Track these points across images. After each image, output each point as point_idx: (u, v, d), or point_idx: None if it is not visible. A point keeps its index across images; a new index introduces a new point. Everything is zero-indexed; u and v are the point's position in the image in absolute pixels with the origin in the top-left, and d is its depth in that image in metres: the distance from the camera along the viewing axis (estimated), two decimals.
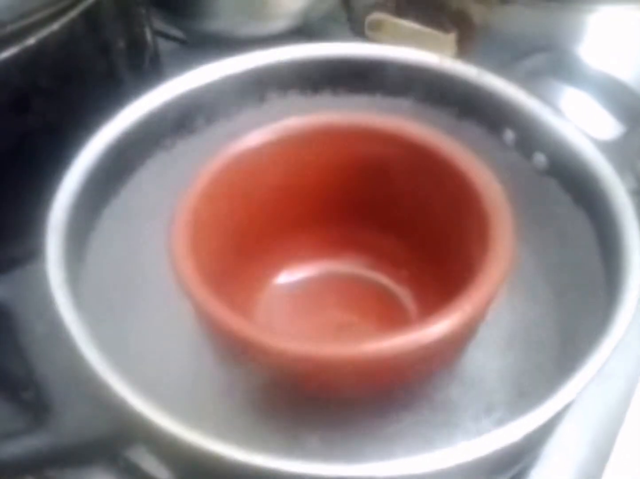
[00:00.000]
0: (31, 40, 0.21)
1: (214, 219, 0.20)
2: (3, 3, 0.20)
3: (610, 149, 0.21)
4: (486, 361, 0.21)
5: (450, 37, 0.29)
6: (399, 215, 0.22)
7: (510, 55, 0.25)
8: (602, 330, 0.17)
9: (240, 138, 0.21)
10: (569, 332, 0.20)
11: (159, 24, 0.34)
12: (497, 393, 0.20)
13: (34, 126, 0.22)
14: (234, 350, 0.18)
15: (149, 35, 0.27)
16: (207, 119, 0.23)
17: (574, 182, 0.21)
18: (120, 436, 0.18)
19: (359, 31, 0.30)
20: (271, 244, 0.22)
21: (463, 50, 0.29)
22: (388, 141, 0.21)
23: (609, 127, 0.23)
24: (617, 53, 0.28)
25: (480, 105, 0.23)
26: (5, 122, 0.22)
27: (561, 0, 0.27)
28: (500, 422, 0.15)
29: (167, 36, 0.36)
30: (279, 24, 0.35)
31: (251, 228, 0.22)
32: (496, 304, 0.18)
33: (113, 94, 0.24)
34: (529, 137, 0.22)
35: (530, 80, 0.23)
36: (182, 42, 0.37)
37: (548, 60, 0.25)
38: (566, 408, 0.16)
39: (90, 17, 0.22)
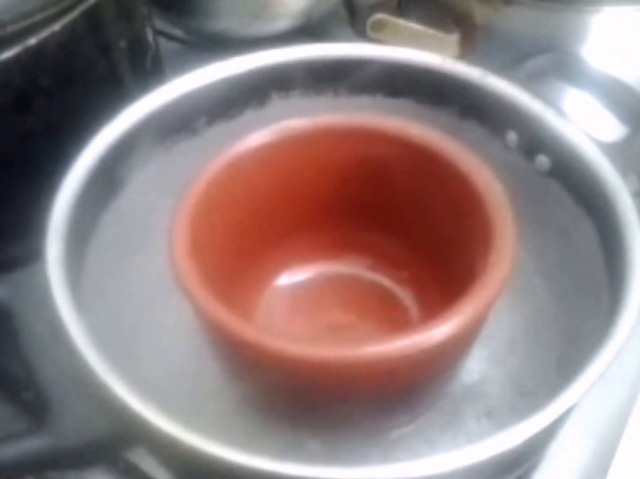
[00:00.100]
0: (32, 41, 0.21)
1: (214, 220, 0.20)
2: (4, 3, 0.20)
3: (613, 150, 0.21)
4: (488, 364, 0.21)
5: (453, 38, 0.29)
6: (400, 216, 0.22)
7: (513, 56, 0.25)
8: (605, 333, 0.17)
9: (241, 139, 0.21)
10: (571, 335, 0.20)
11: (161, 24, 0.34)
12: (499, 396, 0.20)
13: (34, 126, 0.22)
14: (234, 352, 0.18)
15: (150, 36, 0.27)
16: (209, 120, 0.23)
17: (576, 184, 0.21)
18: (120, 437, 0.18)
19: (361, 32, 0.30)
20: (272, 246, 0.22)
21: (465, 51, 0.29)
22: (390, 142, 0.21)
23: (612, 128, 0.23)
24: (620, 54, 0.28)
25: (482, 107, 0.23)
26: (6, 122, 0.22)
27: (564, 1, 0.27)
28: (502, 425, 0.15)
29: (168, 36, 0.36)
30: (280, 24, 0.35)
31: (252, 229, 0.22)
32: (497, 307, 0.18)
33: (114, 95, 0.24)
34: (531, 138, 0.22)
35: (533, 82, 0.23)
36: (183, 42, 0.37)
37: (551, 62, 0.25)
38: (569, 411, 0.16)
39: (91, 17, 0.22)
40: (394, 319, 0.22)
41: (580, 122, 0.21)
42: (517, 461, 0.18)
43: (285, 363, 0.16)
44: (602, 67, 0.24)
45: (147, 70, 0.27)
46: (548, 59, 0.25)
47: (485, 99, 0.22)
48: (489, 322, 0.19)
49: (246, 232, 0.21)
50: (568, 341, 0.20)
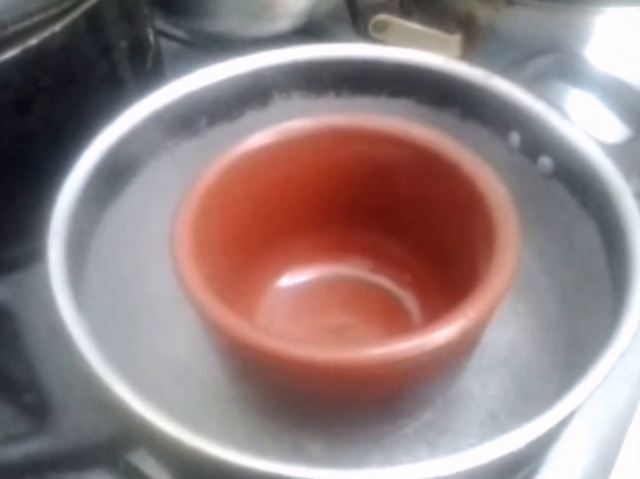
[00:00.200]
0: (33, 41, 0.21)
1: (216, 221, 0.20)
2: (5, 4, 0.20)
3: (616, 152, 0.21)
4: (490, 367, 0.21)
5: (455, 39, 0.29)
6: (402, 218, 0.22)
7: (515, 57, 0.24)
8: (608, 335, 0.17)
9: (243, 140, 0.20)
10: (574, 337, 0.20)
11: (161, 25, 0.33)
12: (501, 399, 0.20)
13: (35, 126, 0.22)
14: (236, 353, 0.18)
15: (151, 36, 0.27)
16: (210, 121, 0.23)
17: (579, 186, 0.21)
18: (122, 439, 0.18)
19: (363, 32, 0.30)
20: (273, 247, 0.22)
21: (467, 51, 0.29)
22: (392, 143, 0.21)
23: (615, 129, 0.23)
24: (623, 55, 0.27)
25: (485, 108, 0.23)
26: (7, 123, 0.22)
27: (567, 1, 0.26)
28: (504, 429, 0.15)
29: (169, 37, 0.36)
30: (282, 24, 0.35)
31: (253, 230, 0.22)
32: (500, 309, 0.18)
33: (115, 95, 0.24)
34: (534, 139, 0.22)
35: (535, 83, 0.23)
36: (184, 42, 0.37)
37: (554, 62, 0.24)
38: (572, 414, 0.16)
39: (92, 17, 0.22)
40: (396, 322, 0.22)
41: (583, 123, 0.21)
42: (520, 464, 0.18)
43: (287, 364, 0.16)
44: (605, 68, 0.24)
45: (148, 70, 0.27)
46: (551, 59, 0.24)
47: (487, 100, 0.22)
48: (492, 325, 0.19)
49: (247, 234, 0.21)
50: (571, 343, 0.20)
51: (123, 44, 0.25)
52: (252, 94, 0.24)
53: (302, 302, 0.23)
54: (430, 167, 0.20)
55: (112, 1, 0.23)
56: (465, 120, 0.23)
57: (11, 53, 0.20)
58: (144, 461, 0.21)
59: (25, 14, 0.20)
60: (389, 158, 0.21)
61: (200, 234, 0.19)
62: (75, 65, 0.22)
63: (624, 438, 0.22)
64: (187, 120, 0.23)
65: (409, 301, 0.23)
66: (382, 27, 0.30)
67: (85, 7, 0.22)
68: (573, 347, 0.20)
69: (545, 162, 0.22)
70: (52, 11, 0.21)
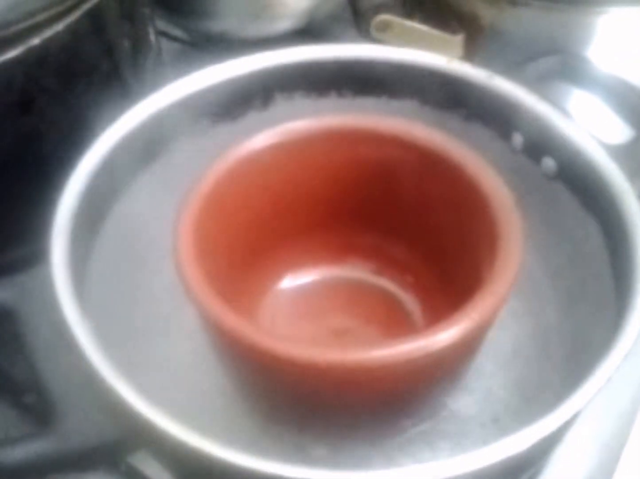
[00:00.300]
0: (35, 41, 0.21)
1: (218, 222, 0.20)
2: (7, 3, 0.20)
3: (620, 153, 0.21)
4: (493, 369, 0.21)
5: (458, 39, 0.28)
6: (405, 219, 0.22)
7: (518, 58, 0.24)
8: (611, 338, 0.17)
9: (245, 141, 0.20)
10: (577, 339, 0.20)
11: (163, 25, 0.33)
12: (503, 402, 0.20)
13: (37, 126, 0.22)
14: (239, 355, 0.18)
15: (152, 36, 0.27)
16: (212, 121, 0.23)
17: (583, 187, 0.21)
18: (124, 440, 0.18)
19: (365, 32, 0.30)
20: (276, 248, 0.22)
21: (470, 52, 0.28)
22: (395, 144, 0.21)
23: (619, 130, 0.23)
24: (627, 55, 0.27)
25: (488, 109, 0.23)
26: (9, 122, 0.22)
27: (570, 2, 0.26)
28: (507, 431, 0.15)
29: (170, 37, 0.36)
30: (283, 25, 0.34)
31: (256, 231, 0.21)
32: (503, 311, 0.18)
33: (117, 95, 0.24)
34: (537, 141, 0.22)
35: (539, 83, 0.23)
36: (185, 43, 0.37)
37: (557, 63, 0.24)
38: (574, 417, 0.16)
39: (94, 17, 0.22)
40: (398, 324, 0.22)
41: (587, 124, 0.21)
42: (522, 466, 0.18)
43: (289, 366, 0.16)
44: (609, 69, 0.24)
45: (149, 70, 0.27)
46: (554, 60, 0.24)
47: (490, 101, 0.22)
48: (495, 327, 0.19)
49: (249, 235, 0.21)
50: (574, 345, 0.20)
51: (124, 44, 0.25)
52: (254, 95, 0.23)
53: (304, 304, 0.23)
54: (433, 168, 0.20)
55: (113, 1, 0.23)
56: (468, 121, 0.23)
57: (13, 53, 0.20)
58: (145, 462, 0.21)
59: (27, 13, 0.20)
60: (391, 159, 0.21)
61: (202, 235, 0.19)
62: (77, 65, 0.22)
63: (626, 440, 0.22)
64: (189, 120, 0.23)
65: (411, 303, 0.23)
66: (384, 27, 0.30)
67: (86, 7, 0.22)
68: (576, 349, 0.20)
69: (549, 163, 0.22)
70: (55, 11, 0.21)
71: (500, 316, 0.18)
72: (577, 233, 0.21)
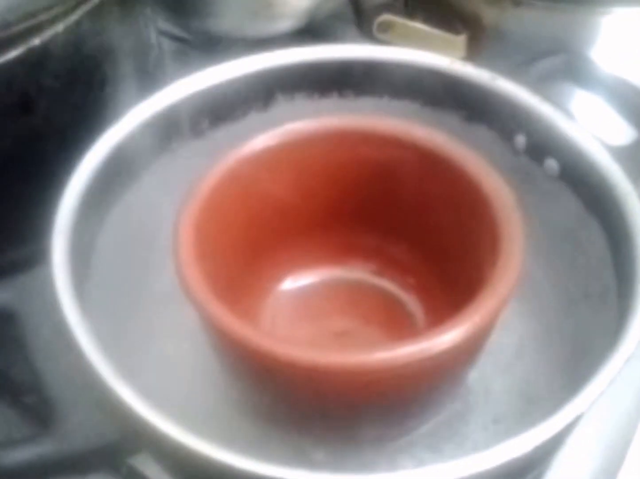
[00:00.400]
0: (36, 41, 0.20)
1: (218, 223, 0.20)
2: (7, 4, 0.20)
3: (622, 154, 0.20)
4: (495, 371, 0.21)
5: (460, 39, 0.28)
6: (406, 220, 0.22)
7: (521, 58, 0.24)
8: (614, 340, 0.17)
9: (245, 141, 0.20)
10: (580, 342, 0.20)
11: (164, 25, 0.33)
12: (506, 403, 0.20)
13: (38, 127, 0.22)
14: (240, 358, 0.18)
15: (153, 37, 0.27)
16: (213, 122, 0.23)
17: (585, 188, 0.21)
18: (125, 442, 0.18)
19: (367, 32, 0.30)
20: (276, 249, 0.22)
21: (473, 52, 0.28)
22: (396, 145, 0.21)
23: (622, 131, 0.23)
24: (630, 56, 0.27)
25: (490, 109, 0.23)
26: (10, 123, 0.21)
27: (574, 2, 0.26)
28: (509, 433, 0.15)
29: (171, 37, 0.36)
30: (284, 24, 0.34)
31: (256, 232, 0.21)
32: (505, 312, 0.18)
33: (118, 96, 0.24)
34: (540, 141, 0.22)
35: (542, 84, 0.23)
36: (187, 43, 0.37)
37: (560, 64, 0.24)
38: (577, 419, 0.16)
39: (94, 18, 0.22)
40: (400, 326, 0.22)
41: (590, 125, 0.21)
42: (524, 469, 0.18)
43: (291, 368, 0.16)
44: (612, 69, 0.24)
45: (150, 71, 0.26)
46: (557, 60, 0.24)
47: (493, 102, 0.22)
48: (497, 329, 0.19)
49: (250, 236, 0.21)
50: (576, 347, 0.20)
51: (125, 44, 0.25)
52: (255, 95, 0.23)
53: (305, 305, 0.23)
54: (435, 169, 0.20)
55: (114, 1, 0.23)
56: (470, 122, 0.23)
57: (14, 53, 0.20)
58: (146, 465, 0.21)
59: (27, 14, 0.20)
60: (393, 160, 0.21)
61: (203, 236, 0.19)
62: (77, 65, 0.22)
63: (629, 442, 0.22)
64: (190, 121, 0.23)
65: (412, 304, 0.22)
66: (387, 27, 0.30)
67: (87, 7, 0.22)
68: (578, 351, 0.20)
69: (551, 164, 0.22)
70: (55, 11, 0.21)
71: (502, 318, 0.18)
72: (580, 234, 0.21)
